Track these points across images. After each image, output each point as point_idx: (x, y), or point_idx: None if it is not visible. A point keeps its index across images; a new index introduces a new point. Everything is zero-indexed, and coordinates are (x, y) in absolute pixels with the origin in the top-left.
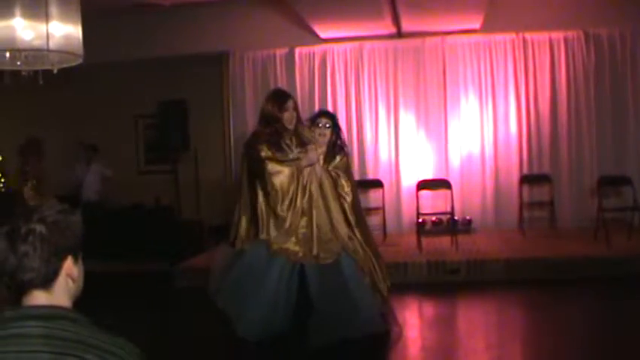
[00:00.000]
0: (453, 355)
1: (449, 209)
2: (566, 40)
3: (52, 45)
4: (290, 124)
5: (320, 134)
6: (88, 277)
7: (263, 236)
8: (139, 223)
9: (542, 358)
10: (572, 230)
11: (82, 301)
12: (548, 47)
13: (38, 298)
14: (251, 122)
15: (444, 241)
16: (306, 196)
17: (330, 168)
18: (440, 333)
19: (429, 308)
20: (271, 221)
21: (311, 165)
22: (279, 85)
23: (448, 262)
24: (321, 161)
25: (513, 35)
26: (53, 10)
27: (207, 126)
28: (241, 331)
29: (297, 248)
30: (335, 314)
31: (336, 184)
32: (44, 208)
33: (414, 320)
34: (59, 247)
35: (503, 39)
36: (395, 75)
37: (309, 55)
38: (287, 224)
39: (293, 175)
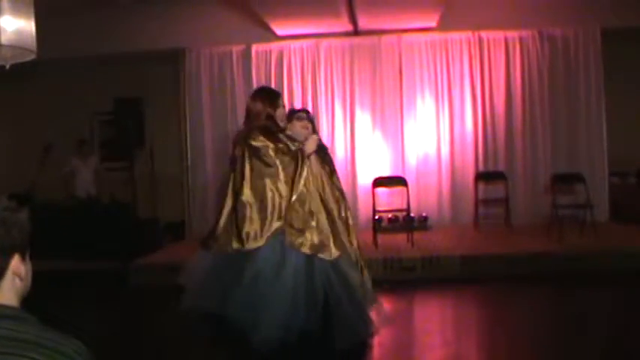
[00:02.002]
0: (408, 352)
1: (405, 206)
2: (521, 39)
3: (4, 40)
4: (282, 121)
5: (303, 127)
6: (42, 275)
7: (277, 225)
8: (93, 220)
9: (498, 353)
10: (527, 227)
11: (35, 300)
12: (503, 46)
13: None
14: (207, 119)
15: (400, 238)
16: (312, 192)
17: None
18: (395, 329)
19: (385, 305)
20: (282, 214)
21: (311, 153)
22: (236, 82)
23: (404, 258)
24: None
25: (469, 34)
26: (5, 4)
27: (163, 123)
28: (259, 339)
29: (314, 239)
30: (349, 314)
31: (331, 178)
32: None
33: None
34: (5, 245)
35: (459, 37)
36: (351, 72)
37: (266, 52)
38: (300, 218)
39: (300, 166)
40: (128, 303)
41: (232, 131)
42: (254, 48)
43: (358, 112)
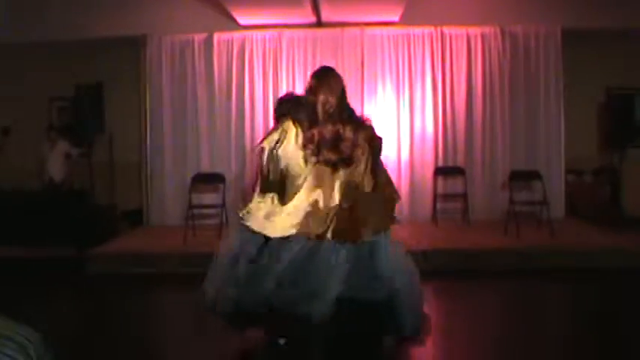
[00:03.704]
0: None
1: None
2: (483, 35)
3: None
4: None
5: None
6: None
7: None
8: (50, 207)
9: (454, 347)
10: (484, 222)
11: None
12: (465, 42)
13: None
14: (167, 107)
15: None
16: None
17: None
18: None
19: None
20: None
21: None
22: (198, 70)
23: None
24: None
25: (432, 29)
26: None
27: (123, 110)
28: (310, 331)
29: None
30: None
31: None
32: None
33: None
34: None
35: (421, 32)
36: (313, 64)
37: (228, 41)
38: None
39: None
40: (83, 291)
41: (192, 119)
42: (216, 37)
43: None
